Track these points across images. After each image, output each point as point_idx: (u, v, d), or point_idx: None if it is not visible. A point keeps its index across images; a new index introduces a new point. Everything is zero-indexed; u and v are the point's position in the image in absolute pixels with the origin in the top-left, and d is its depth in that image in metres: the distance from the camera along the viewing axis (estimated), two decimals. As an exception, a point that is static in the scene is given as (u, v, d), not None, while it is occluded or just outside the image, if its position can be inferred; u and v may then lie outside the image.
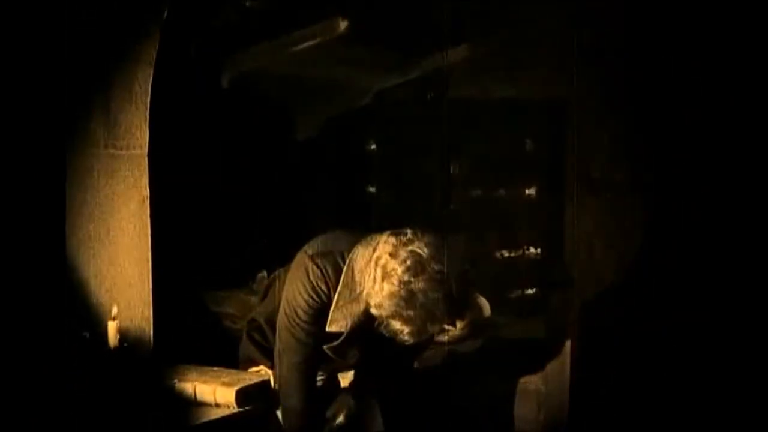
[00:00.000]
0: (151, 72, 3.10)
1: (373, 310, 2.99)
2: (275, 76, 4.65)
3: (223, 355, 3.53)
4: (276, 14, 4.13)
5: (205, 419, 3.01)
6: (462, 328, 4.43)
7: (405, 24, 4.66)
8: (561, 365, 4.40)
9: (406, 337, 3.01)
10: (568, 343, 4.38)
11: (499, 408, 4.32)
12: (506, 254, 5.70)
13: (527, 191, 5.73)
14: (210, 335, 4.14)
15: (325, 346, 3.19)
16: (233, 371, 3.28)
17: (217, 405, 3.08)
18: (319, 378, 3.38)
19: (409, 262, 2.93)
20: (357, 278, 3.04)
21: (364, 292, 3.00)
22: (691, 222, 5.36)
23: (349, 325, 3.10)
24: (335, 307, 3.10)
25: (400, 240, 2.97)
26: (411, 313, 2.93)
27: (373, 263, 2.97)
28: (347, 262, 3.10)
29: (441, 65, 5.16)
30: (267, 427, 3.25)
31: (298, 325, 3.15)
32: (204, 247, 4.36)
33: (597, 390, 4.58)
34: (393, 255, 2.94)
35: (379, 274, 2.94)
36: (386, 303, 2.94)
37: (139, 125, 3.12)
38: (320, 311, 3.13)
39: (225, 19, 4.11)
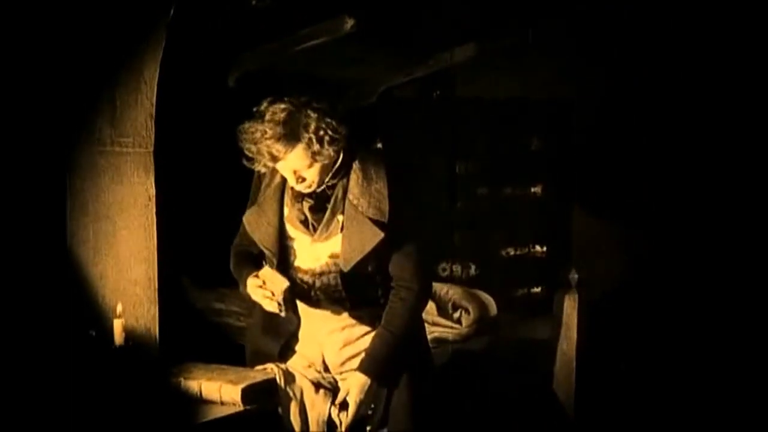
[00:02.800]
0: (158, 70, 3.11)
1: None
2: (282, 74, 4.65)
3: (229, 352, 3.53)
4: (282, 13, 4.13)
5: (211, 417, 3.01)
6: (467, 326, 4.44)
7: (411, 22, 4.66)
8: (566, 364, 4.40)
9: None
10: (573, 342, 4.38)
11: (505, 407, 4.32)
12: (512, 252, 5.70)
13: (533, 190, 5.73)
14: (215, 332, 4.15)
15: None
16: (239, 369, 3.27)
17: (223, 403, 3.08)
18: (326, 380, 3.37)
19: None
20: None
21: None
22: (697, 222, 5.36)
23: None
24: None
25: None
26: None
27: None
28: None
29: (447, 64, 5.16)
30: (273, 425, 3.24)
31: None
32: (210, 245, 4.36)
33: (602, 389, 4.58)
34: None
35: None
36: None
37: (145, 123, 3.12)
38: None
39: (231, 17, 4.12)
